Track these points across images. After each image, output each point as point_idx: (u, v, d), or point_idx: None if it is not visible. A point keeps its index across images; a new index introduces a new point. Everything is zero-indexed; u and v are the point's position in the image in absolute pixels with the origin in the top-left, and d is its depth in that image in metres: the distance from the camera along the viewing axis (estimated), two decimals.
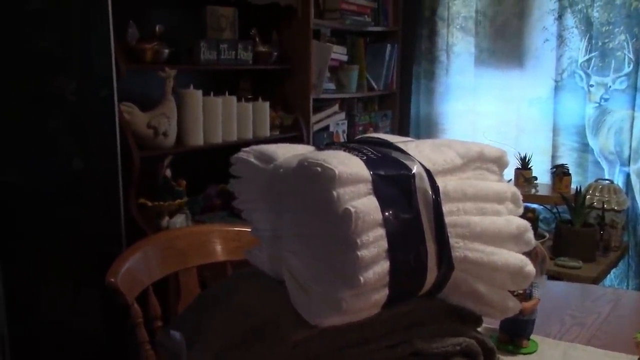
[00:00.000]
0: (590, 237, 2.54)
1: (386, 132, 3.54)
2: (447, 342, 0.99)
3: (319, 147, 1.09)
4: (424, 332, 0.99)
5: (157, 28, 2.12)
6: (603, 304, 1.54)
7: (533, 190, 2.89)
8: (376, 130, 3.42)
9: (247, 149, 1.10)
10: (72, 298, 1.88)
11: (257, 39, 2.60)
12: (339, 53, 3.04)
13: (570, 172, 2.92)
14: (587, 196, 2.67)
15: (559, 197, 2.70)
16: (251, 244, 1.65)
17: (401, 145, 1.04)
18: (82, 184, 1.86)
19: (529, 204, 2.81)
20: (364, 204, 0.89)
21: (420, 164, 0.98)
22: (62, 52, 1.78)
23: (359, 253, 0.87)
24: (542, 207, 2.96)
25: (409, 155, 1.00)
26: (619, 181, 3.01)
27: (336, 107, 3.11)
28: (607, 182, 2.83)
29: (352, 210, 0.87)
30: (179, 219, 2.09)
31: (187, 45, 2.29)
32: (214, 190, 2.50)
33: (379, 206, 0.90)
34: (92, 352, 1.95)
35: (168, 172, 2.11)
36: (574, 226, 2.54)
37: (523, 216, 2.35)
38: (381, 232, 0.90)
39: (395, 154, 1.00)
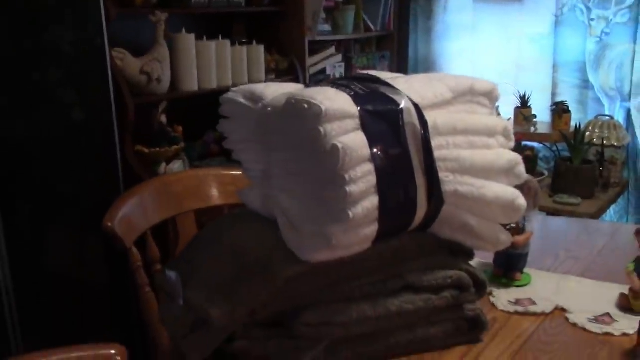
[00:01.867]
0: (589, 173, 2.54)
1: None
2: (438, 275, 1.01)
3: (308, 85, 1.08)
4: (415, 266, 1.00)
5: None
6: (598, 237, 1.55)
7: (532, 129, 2.88)
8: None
9: (235, 89, 1.09)
10: (73, 247, 1.90)
11: None
12: None
13: (570, 109, 2.89)
14: (587, 133, 2.66)
15: (558, 134, 2.69)
16: (248, 184, 1.67)
17: (391, 81, 1.03)
18: (78, 133, 1.85)
19: (528, 142, 2.80)
20: (352, 140, 0.89)
21: (409, 98, 0.97)
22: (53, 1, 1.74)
23: (347, 188, 0.87)
24: (541, 145, 2.95)
25: (398, 90, 0.99)
26: (620, 117, 2.99)
27: (332, 49, 3.06)
28: (607, 118, 2.80)
29: (340, 146, 0.87)
30: (177, 165, 2.10)
31: None
32: (212, 136, 2.50)
33: (366, 141, 0.90)
34: (97, 300, 1.99)
35: (163, 119, 2.10)
36: (573, 163, 2.54)
37: (522, 154, 2.37)
38: (369, 167, 0.90)
39: (383, 89, 0.99)
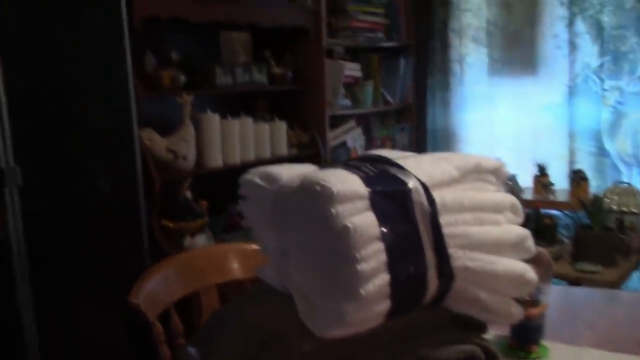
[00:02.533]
0: (609, 240, 2.53)
1: (404, 145, 3.58)
2: (451, 350, 1.03)
3: (321, 166, 1.14)
4: (428, 340, 1.03)
5: (173, 55, 2.21)
6: (617, 307, 1.55)
7: (551, 197, 2.90)
8: (394, 143, 3.46)
9: (253, 170, 1.15)
10: (99, 318, 1.95)
11: (272, 61, 2.67)
12: (352, 70, 3.10)
13: (587, 176, 2.92)
14: (606, 200, 2.67)
15: (577, 202, 2.71)
16: (266, 261, 1.71)
17: (400, 161, 1.08)
18: (107, 208, 1.93)
19: (547, 210, 2.81)
20: (362, 220, 0.93)
21: (417, 178, 1.02)
22: (85, 81, 1.86)
23: (358, 267, 0.91)
24: (561, 213, 2.96)
25: (406, 170, 1.04)
26: (638, 183, 2.99)
27: (353, 123, 3.16)
28: (625, 184, 2.82)
29: (350, 226, 0.91)
30: (201, 239, 2.16)
31: (203, 70, 2.37)
32: (235, 209, 2.56)
33: (376, 221, 0.94)
34: None
35: (188, 194, 2.18)
36: (593, 230, 2.54)
37: (541, 222, 2.39)
38: (380, 245, 0.94)
39: (393, 170, 1.04)
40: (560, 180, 3.05)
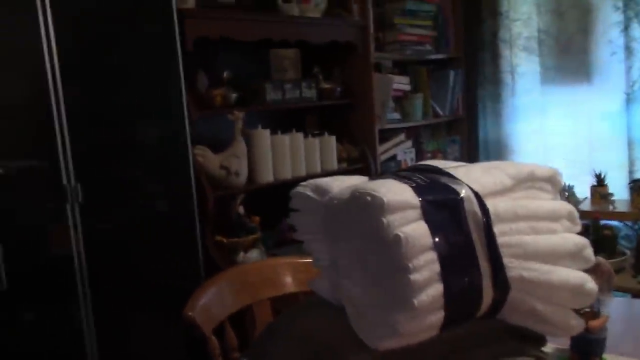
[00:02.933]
0: None
1: (455, 158, 3.54)
2: None
3: (372, 177, 1.14)
4: (482, 353, 1.01)
5: (224, 74, 2.26)
6: None
7: (610, 207, 2.81)
8: (445, 155, 3.43)
9: (304, 183, 1.17)
10: (157, 333, 1.99)
11: (320, 77, 2.69)
12: (401, 83, 3.10)
13: None
14: None
15: (638, 212, 2.61)
16: (318, 274, 1.72)
17: (451, 171, 1.07)
18: (163, 225, 1.99)
19: (607, 221, 2.72)
20: (414, 229, 0.93)
21: (469, 187, 1.01)
22: (140, 101, 1.92)
23: (411, 277, 0.90)
24: (621, 223, 2.86)
25: (458, 179, 1.03)
26: None
27: (402, 136, 3.15)
28: None
29: (402, 235, 0.91)
30: (254, 254, 2.18)
31: (253, 87, 2.41)
32: (286, 224, 2.58)
33: (428, 230, 0.94)
34: None
35: (241, 209, 2.21)
36: None
37: (601, 233, 2.32)
38: (432, 255, 0.93)
39: (444, 180, 1.03)
40: (619, 190, 2.95)
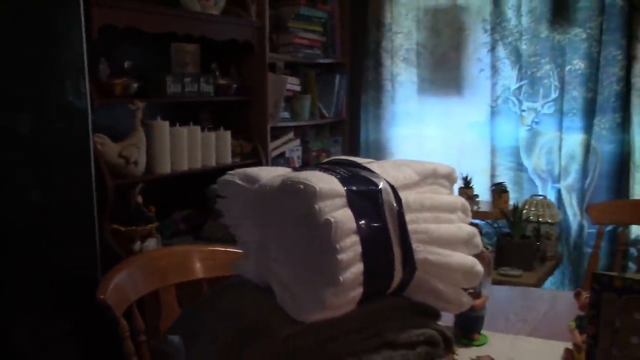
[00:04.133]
0: (528, 248, 2.77)
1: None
2: (412, 333, 1.15)
3: (296, 169, 1.25)
4: (392, 325, 1.15)
5: (125, 64, 2.25)
6: (542, 303, 1.74)
7: (475, 207, 3.12)
8: (328, 155, 3.61)
9: (232, 172, 1.25)
10: (52, 322, 1.96)
11: (218, 73, 2.75)
12: (292, 84, 3.23)
13: (507, 189, 3.17)
14: (524, 211, 2.92)
15: (498, 212, 2.94)
16: (223, 262, 1.80)
17: (366, 165, 1.21)
18: (60, 212, 1.95)
19: (472, 220, 3.02)
20: (341, 215, 1.05)
21: (385, 180, 1.15)
22: (42, 88, 1.88)
23: (338, 257, 1.02)
24: (483, 222, 3.20)
25: (375, 173, 1.17)
26: (552, 196, 3.28)
27: (291, 135, 3.28)
28: (541, 197, 3.08)
29: (332, 220, 1.03)
30: (151, 243, 2.20)
31: (154, 79, 2.42)
32: (179, 215, 2.62)
33: (353, 217, 1.07)
34: None
35: (139, 199, 2.22)
36: (513, 238, 2.77)
37: None
38: (355, 238, 1.06)
39: (363, 173, 1.17)
40: (482, 193, 3.29)
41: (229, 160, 2.73)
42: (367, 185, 1.12)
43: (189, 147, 2.50)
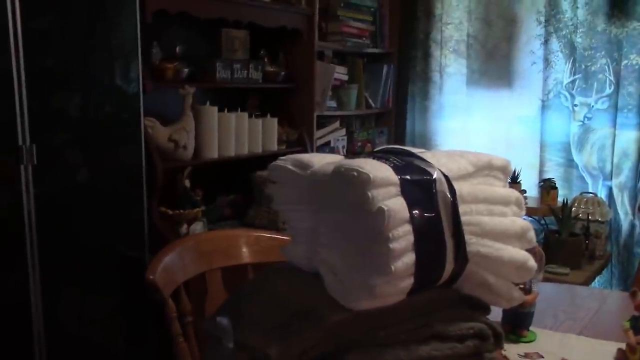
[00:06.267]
0: (576, 246, 2.71)
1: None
2: (462, 326, 1.14)
3: (348, 156, 1.24)
4: (442, 317, 1.14)
5: (177, 49, 2.27)
6: (592, 301, 1.70)
7: None
8: (373, 146, 3.59)
9: (283, 157, 1.25)
10: (100, 298, 2.00)
11: (266, 60, 2.76)
12: (340, 73, 3.21)
13: (556, 185, 3.10)
14: (573, 208, 2.85)
15: (547, 209, 2.88)
16: (268, 247, 1.81)
17: (420, 155, 1.20)
18: (111, 192, 1.99)
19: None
20: (394, 203, 1.04)
21: (439, 170, 1.14)
22: (98, 70, 1.91)
23: (390, 245, 1.02)
24: (530, 218, 3.13)
25: (429, 162, 1.15)
26: (602, 194, 3.20)
27: (337, 124, 3.27)
28: (591, 195, 3.01)
29: (385, 208, 1.02)
30: (197, 227, 2.23)
31: (204, 64, 2.44)
32: (224, 200, 2.64)
33: (406, 206, 1.05)
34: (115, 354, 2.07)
35: (187, 183, 2.25)
36: (561, 236, 2.71)
37: None
38: (408, 227, 1.04)
39: (417, 162, 1.15)
40: (530, 189, 3.23)
41: (274, 147, 2.74)
42: (421, 175, 1.11)
43: (236, 133, 2.51)
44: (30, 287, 1.74)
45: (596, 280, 2.90)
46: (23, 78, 1.67)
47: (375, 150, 1.25)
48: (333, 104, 3.21)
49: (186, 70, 2.32)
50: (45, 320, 1.80)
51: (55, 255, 1.83)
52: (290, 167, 1.22)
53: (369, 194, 1.03)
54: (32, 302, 1.75)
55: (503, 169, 1.26)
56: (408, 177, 1.08)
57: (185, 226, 2.21)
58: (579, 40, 3.21)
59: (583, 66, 3.22)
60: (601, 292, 2.00)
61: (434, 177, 1.11)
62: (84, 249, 1.94)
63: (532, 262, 1.17)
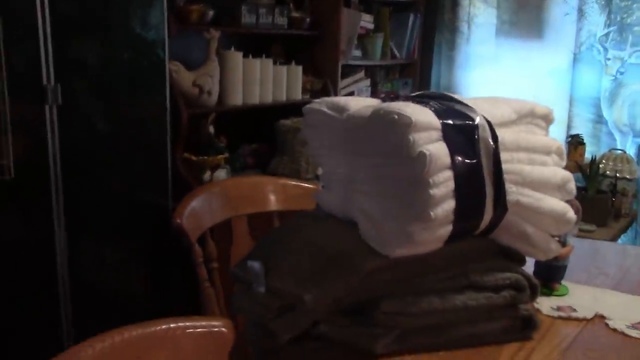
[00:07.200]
0: (603, 203, 2.67)
1: (406, 95, 3.64)
2: (498, 276, 1.12)
3: (385, 100, 1.20)
4: (477, 267, 1.11)
5: None
6: (624, 257, 1.67)
7: None
8: (397, 97, 3.53)
9: (318, 100, 1.21)
10: (123, 243, 2.00)
11: (292, 5, 2.69)
12: (366, 21, 3.13)
13: (584, 141, 3.03)
14: (601, 165, 2.80)
15: (574, 165, 2.82)
16: (294, 195, 1.79)
17: (461, 100, 1.15)
18: (136, 136, 1.97)
19: None
20: (436, 148, 1.00)
21: (482, 115, 1.09)
22: (122, 12, 1.86)
23: (430, 191, 0.98)
24: None
25: (471, 107, 1.11)
26: (631, 152, 3.13)
27: (362, 74, 3.21)
28: (619, 152, 2.95)
29: (427, 153, 0.98)
30: (221, 174, 2.21)
31: (229, 8, 2.38)
32: (247, 149, 2.61)
33: (447, 151, 1.02)
34: (141, 296, 2.09)
35: (211, 129, 2.22)
36: (588, 193, 2.66)
37: None
38: (449, 174, 1.01)
39: (458, 107, 1.11)
40: None
41: (299, 96, 2.70)
42: (463, 120, 1.07)
43: (261, 80, 2.46)
44: (55, 231, 1.74)
45: (621, 238, 2.86)
46: (48, 20, 1.63)
47: (413, 94, 1.21)
48: (358, 53, 3.13)
49: (211, 12, 2.26)
50: (70, 266, 1.81)
51: (79, 200, 1.82)
52: (325, 110, 1.18)
53: (410, 137, 0.99)
54: (56, 247, 1.75)
55: (545, 117, 1.22)
56: (450, 121, 1.05)
57: (209, 173, 2.19)
58: None
59: (618, 18, 3.10)
60: (631, 249, 1.97)
61: (476, 122, 1.07)
62: (108, 194, 1.93)
63: (571, 214, 1.14)
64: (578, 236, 2.51)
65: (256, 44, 2.63)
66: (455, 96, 1.18)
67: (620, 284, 1.43)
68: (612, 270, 1.54)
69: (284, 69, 2.61)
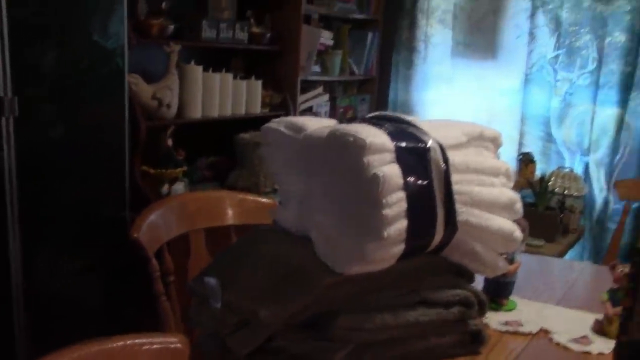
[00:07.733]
0: (551, 219, 2.76)
1: (364, 116, 3.70)
2: (448, 293, 1.16)
3: (342, 122, 1.24)
4: (429, 283, 1.16)
5: (163, 4, 2.22)
6: (569, 273, 1.75)
7: None
8: (355, 113, 3.58)
9: (277, 119, 1.24)
10: (79, 256, 1.98)
11: (252, 20, 2.71)
12: (325, 38, 3.18)
13: (535, 159, 3.13)
14: (550, 182, 2.90)
15: (524, 181, 2.91)
16: (252, 210, 1.80)
17: (414, 123, 1.20)
18: (93, 148, 1.95)
19: None
20: (389, 170, 1.04)
21: (434, 139, 1.14)
22: (82, 22, 1.86)
23: (383, 211, 1.02)
24: None
25: (424, 130, 1.15)
26: (579, 169, 3.25)
27: (321, 89, 3.25)
28: (567, 169, 3.06)
29: (380, 174, 1.02)
30: (179, 187, 2.21)
31: (190, 22, 2.39)
32: (204, 162, 2.62)
33: (400, 173, 1.06)
34: (96, 310, 2.07)
35: (170, 142, 2.22)
36: (538, 209, 2.76)
37: None
38: (402, 195, 1.05)
39: (411, 129, 1.15)
40: (509, 162, 3.22)
41: (258, 110, 2.72)
42: (416, 142, 1.11)
43: (220, 94, 2.48)
44: (9, 242, 1.71)
45: (569, 253, 2.96)
46: (5, 30, 1.61)
47: (369, 116, 1.25)
48: (317, 69, 3.18)
49: (172, 27, 2.27)
50: (25, 277, 1.78)
51: (35, 211, 1.80)
52: (283, 129, 1.21)
53: (365, 160, 1.03)
54: (11, 258, 1.72)
55: (494, 140, 1.27)
56: (403, 144, 1.09)
57: (167, 186, 2.18)
58: (565, 15, 3.21)
59: (567, 41, 3.23)
60: (579, 264, 2.05)
61: (428, 145, 1.11)
62: (65, 205, 1.90)
63: (518, 233, 1.19)
64: (527, 251, 2.59)
65: (216, 58, 2.65)
66: (409, 119, 1.22)
67: (565, 299, 1.50)
68: (558, 285, 1.60)
69: (243, 83, 2.63)
